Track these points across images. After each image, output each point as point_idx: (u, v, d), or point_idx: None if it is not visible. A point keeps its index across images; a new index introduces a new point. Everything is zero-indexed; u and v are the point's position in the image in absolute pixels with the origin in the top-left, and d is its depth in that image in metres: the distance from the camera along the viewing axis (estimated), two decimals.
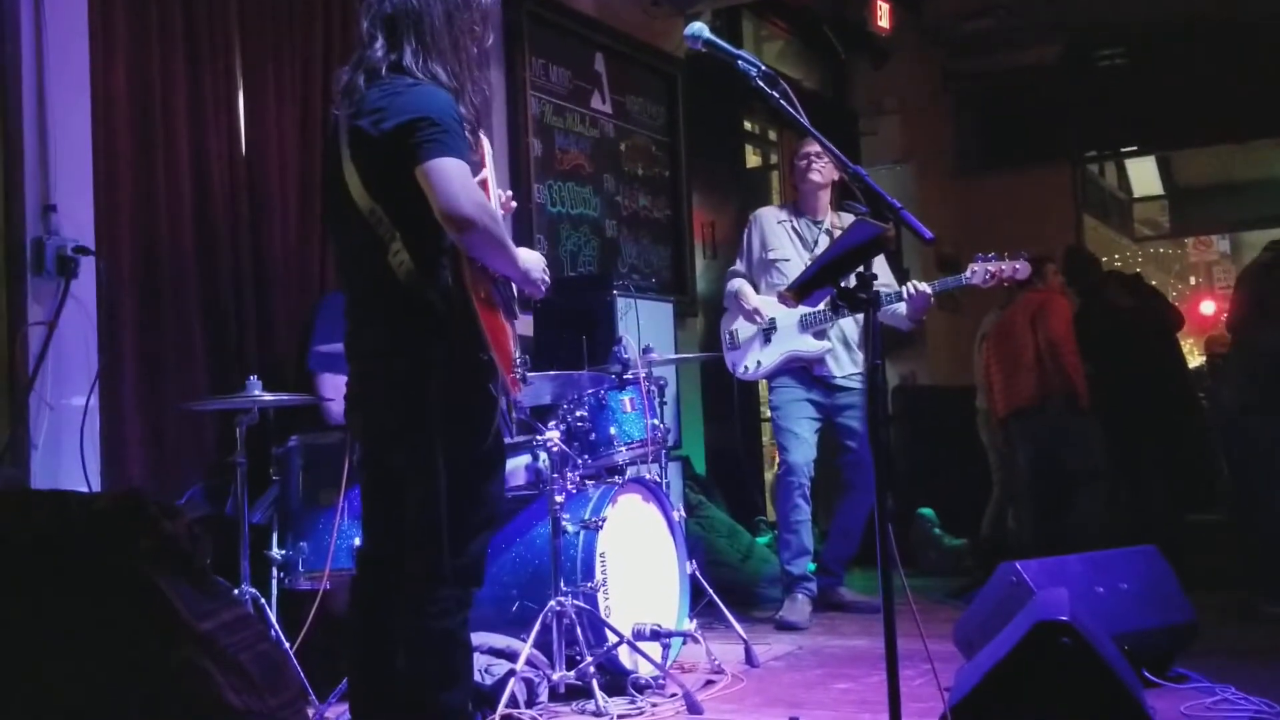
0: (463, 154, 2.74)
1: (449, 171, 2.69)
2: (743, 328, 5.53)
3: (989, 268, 5.09)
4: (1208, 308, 13.68)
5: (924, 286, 5.17)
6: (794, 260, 5.43)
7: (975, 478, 7.46)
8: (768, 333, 5.47)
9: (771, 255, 5.54)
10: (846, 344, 5.50)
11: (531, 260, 2.98)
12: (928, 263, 9.54)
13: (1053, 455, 6.33)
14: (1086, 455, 6.31)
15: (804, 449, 5.45)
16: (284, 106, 4.96)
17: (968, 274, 5.14)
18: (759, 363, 5.49)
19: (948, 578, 6.69)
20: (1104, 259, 8.61)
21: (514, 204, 3.23)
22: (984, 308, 7.73)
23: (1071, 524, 6.25)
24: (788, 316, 5.39)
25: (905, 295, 5.17)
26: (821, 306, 5.28)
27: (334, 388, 4.49)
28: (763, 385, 6.21)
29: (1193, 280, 15.17)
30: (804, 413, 5.47)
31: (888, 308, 5.27)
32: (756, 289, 5.53)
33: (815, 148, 5.45)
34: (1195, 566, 5.20)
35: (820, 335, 5.43)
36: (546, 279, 3.02)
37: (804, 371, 5.48)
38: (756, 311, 5.40)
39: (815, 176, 5.54)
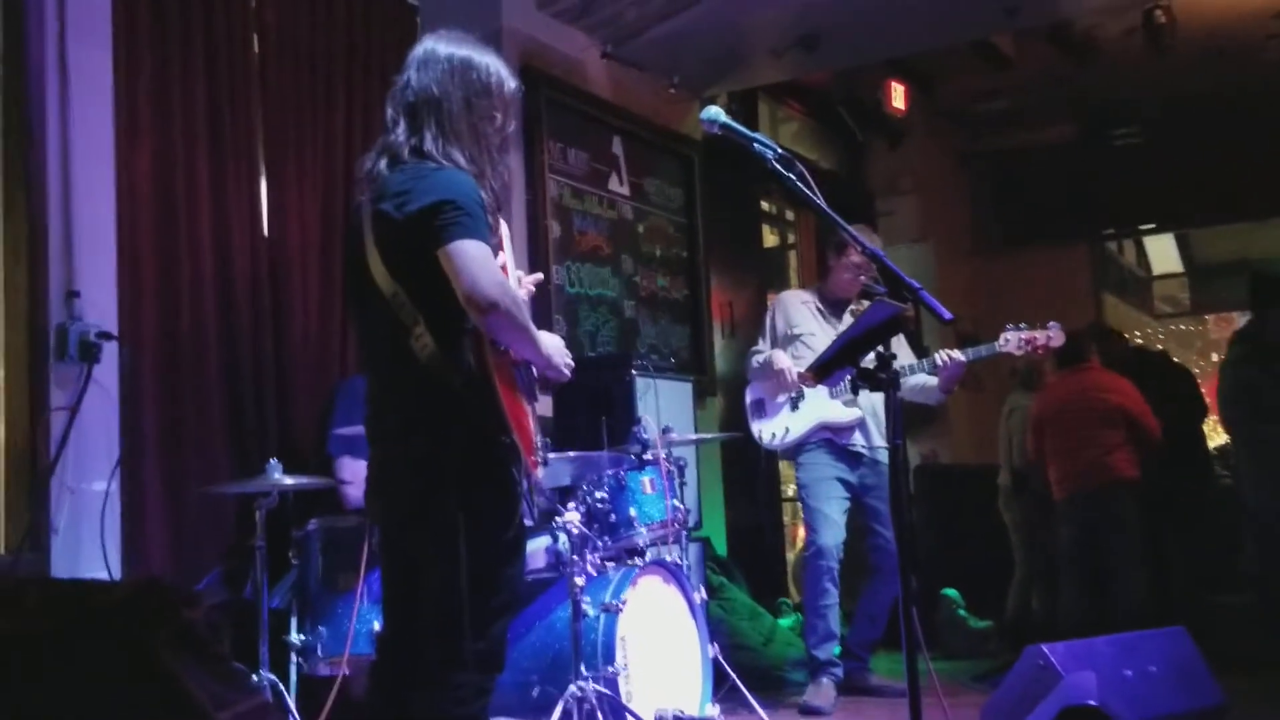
0: (485, 237, 2.76)
1: (471, 254, 2.71)
2: (770, 395, 5.49)
3: (1022, 335, 5.07)
4: None
5: (958, 355, 5.14)
6: (819, 335, 5.38)
7: (999, 558, 7.38)
8: (796, 400, 5.42)
9: (796, 331, 5.51)
10: (875, 415, 5.44)
11: (553, 345, 2.98)
12: (948, 342, 9.51)
13: (1097, 537, 6.27)
14: (1130, 539, 6.25)
15: (834, 531, 5.37)
16: (306, 191, 5.01)
17: (1000, 342, 5.10)
18: (787, 429, 5.43)
19: (973, 660, 6.59)
20: (1125, 336, 8.59)
21: (534, 284, 3.24)
22: (1005, 384, 7.72)
23: (1111, 606, 6.18)
24: (816, 386, 5.35)
25: (939, 364, 5.15)
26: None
27: (352, 472, 4.49)
28: (785, 465, 6.16)
29: (1215, 357, 15.10)
30: (834, 492, 5.40)
31: (917, 380, 5.26)
32: None
33: (863, 260, 5.37)
34: (1219, 648, 5.12)
35: (850, 403, 5.39)
36: (570, 363, 3.02)
37: (831, 444, 5.43)
38: (788, 373, 5.35)
39: (848, 277, 5.50)
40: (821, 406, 5.39)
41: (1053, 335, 5.07)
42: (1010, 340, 5.09)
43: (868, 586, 5.56)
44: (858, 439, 5.42)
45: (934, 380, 5.26)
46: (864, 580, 5.62)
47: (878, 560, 5.48)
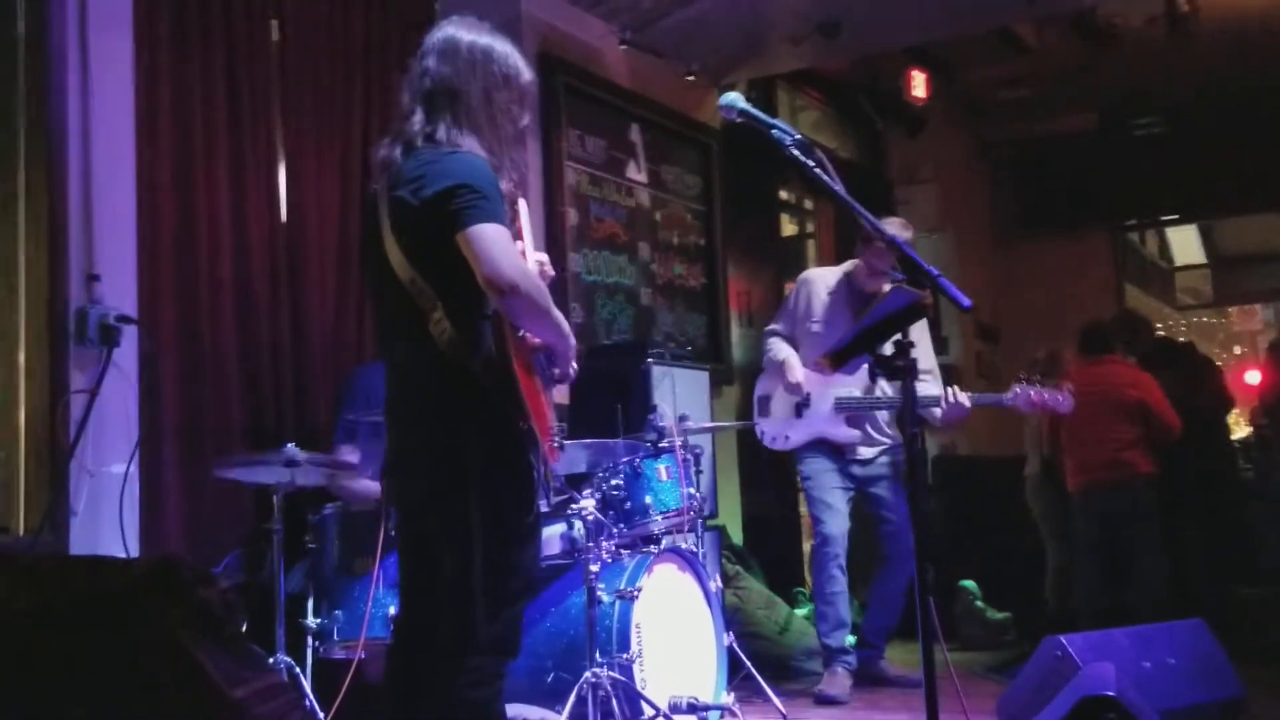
0: (503, 219, 2.76)
1: (491, 237, 2.71)
2: (777, 397, 5.47)
3: (1032, 395, 5.09)
4: (1253, 377, 13.50)
5: (964, 398, 5.11)
6: (836, 338, 5.30)
7: (1018, 549, 7.35)
8: (800, 407, 5.40)
9: (815, 328, 5.44)
10: (876, 427, 5.46)
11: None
12: (966, 330, 9.51)
13: (1114, 530, 6.25)
14: (1148, 531, 6.24)
15: (839, 520, 5.38)
16: (324, 177, 5.02)
17: (1009, 396, 5.15)
18: (787, 437, 5.43)
19: (990, 651, 6.58)
20: (1153, 326, 8.55)
21: (552, 271, 3.22)
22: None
23: (1131, 595, 6.18)
24: (823, 395, 5.33)
25: (945, 400, 5.11)
26: (858, 393, 5.25)
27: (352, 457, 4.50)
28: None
29: (1237, 349, 15.03)
30: (835, 482, 5.40)
31: (926, 397, 5.18)
32: (796, 349, 5.45)
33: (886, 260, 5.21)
34: (1241, 641, 5.09)
35: (853, 423, 5.37)
36: (575, 365, 3.01)
37: (829, 445, 5.41)
38: (800, 386, 5.33)
39: (876, 266, 5.33)
40: (823, 422, 5.36)
41: (1063, 401, 5.07)
42: (1019, 395, 5.13)
43: (880, 573, 5.55)
44: (858, 452, 5.42)
45: (937, 410, 5.19)
46: (876, 568, 5.61)
47: (889, 547, 5.47)
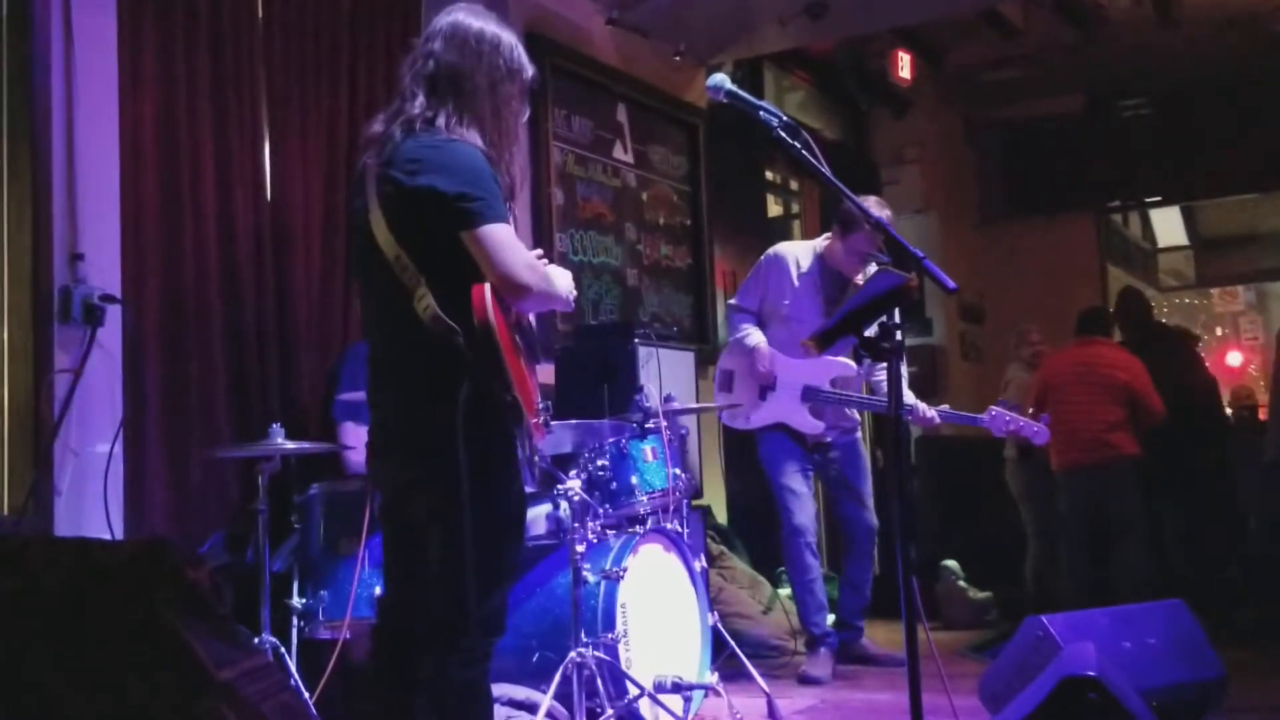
0: (506, 216, 2.79)
1: (501, 239, 2.75)
2: (741, 376, 5.46)
3: (1007, 419, 5.11)
4: (1234, 359, 13.63)
5: (932, 413, 5.14)
6: (807, 324, 5.24)
7: (1000, 529, 7.39)
8: (765, 389, 5.40)
9: (785, 312, 5.41)
10: (838, 412, 5.47)
11: (566, 283, 3.01)
12: (950, 311, 9.53)
13: (1096, 510, 6.29)
14: (1130, 513, 6.27)
15: (806, 505, 5.40)
16: (309, 157, 5.00)
17: (986, 416, 5.17)
18: (748, 418, 5.45)
19: (972, 631, 6.62)
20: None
21: (546, 261, 3.23)
22: (1004, 356, 7.71)
23: (1112, 575, 6.21)
24: (790, 381, 5.33)
25: (917, 411, 5.13)
26: (827, 386, 5.27)
27: (355, 437, 4.50)
28: None
29: (1219, 331, 15.10)
30: (796, 465, 5.41)
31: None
32: (763, 327, 5.45)
33: (869, 245, 5.18)
34: (1223, 622, 5.13)
35: (816, 414, 5.37)
36: (574, 293, 3.08)
37: (789, 429, 5.42)
38: (769, 376, 5.33)
39: (847, 256, 5.32)
40: (787, 408, 5.37)
41: (1038, 430, 5.09)
42: (996, 418, 5.14)
43: (847, 557, 5.61)
44: (818, 436, 5.44)
45: (909, 417, 5.18)
46: (846, 554, 5.65)
47: (851, 530, 5.52)
